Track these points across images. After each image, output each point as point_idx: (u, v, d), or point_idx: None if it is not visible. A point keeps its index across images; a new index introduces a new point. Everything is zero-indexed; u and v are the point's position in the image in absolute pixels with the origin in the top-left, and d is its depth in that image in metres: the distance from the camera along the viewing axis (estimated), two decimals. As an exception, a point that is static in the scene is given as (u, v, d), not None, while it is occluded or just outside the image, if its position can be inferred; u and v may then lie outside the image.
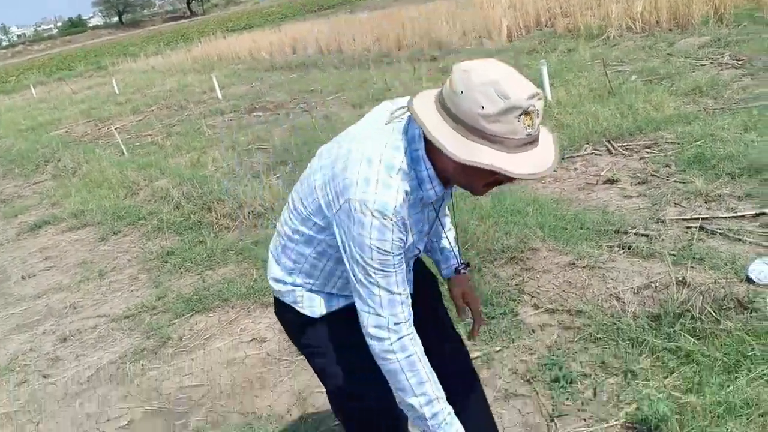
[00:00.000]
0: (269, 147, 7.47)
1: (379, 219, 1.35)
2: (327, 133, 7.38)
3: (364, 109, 8.99)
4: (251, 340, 3.53)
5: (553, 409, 2.53)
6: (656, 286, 3.00)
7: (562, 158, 5.43)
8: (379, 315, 1.44)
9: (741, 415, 2.26)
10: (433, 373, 1.52)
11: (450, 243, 1.85)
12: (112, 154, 9.04)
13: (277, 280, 1.74)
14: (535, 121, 1.25)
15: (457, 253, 1.88)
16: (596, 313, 2.97)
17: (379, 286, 1.43)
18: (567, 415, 2.49)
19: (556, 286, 3.30)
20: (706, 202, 3.89)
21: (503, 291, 3.32)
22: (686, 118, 5.32)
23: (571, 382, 2.64)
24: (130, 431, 3.02)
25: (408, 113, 1.40)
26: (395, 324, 1.45)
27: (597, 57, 8.31)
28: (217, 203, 5.49)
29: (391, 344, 1.45)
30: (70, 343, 3.96)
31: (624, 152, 5.04)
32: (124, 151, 8.90)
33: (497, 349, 2.95)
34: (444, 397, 1.53)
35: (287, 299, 1.73)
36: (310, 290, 1.69)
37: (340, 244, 1.46)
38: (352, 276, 1.46)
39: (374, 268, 1.40)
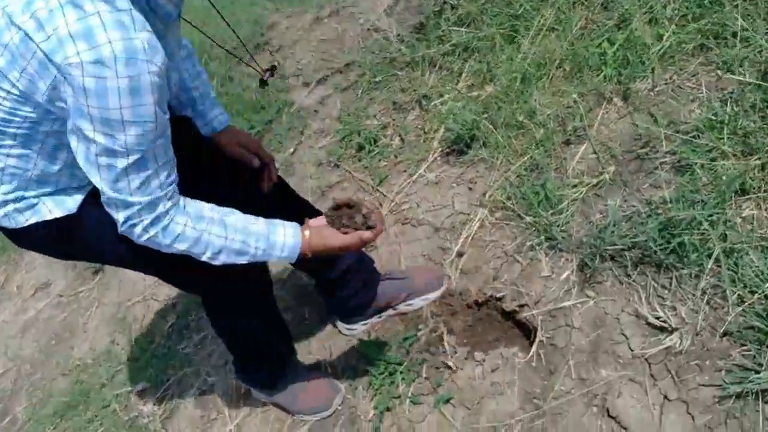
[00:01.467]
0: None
1: (127, 75, 0.96)
2: None
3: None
4: (34, 293, 2.90)
5: (372, 179, 2.25)
6: (407, -4, 2.65)
7: None
8: (154, 196, 1.11)
9: (541, 78, 2.08)
10: (219, 208, 1.24)
11: (201, 90, 1.50)
12: None
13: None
14: None
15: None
16: (364, 56, 2.62)
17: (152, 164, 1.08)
18: (387, 177, 2.22)
19: (312, 51, 2.87)
20: None
21: (265, 91, 2.84)
22: None
23: (375, 142, 2.34)
24: (-43, 466, 2.46)
25: None
26: (173, 192, 1.15)
27: None
28: None
29: (187, 216, 1.17)
30: None
31: None
32: None
33: (291, 151, 2.57)
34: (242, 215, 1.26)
35: (24, 220, 1.25)
36: (50, 194, 1.25)
37: (71, 130, 1.05)
38: (111, 169, 1.06)
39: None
